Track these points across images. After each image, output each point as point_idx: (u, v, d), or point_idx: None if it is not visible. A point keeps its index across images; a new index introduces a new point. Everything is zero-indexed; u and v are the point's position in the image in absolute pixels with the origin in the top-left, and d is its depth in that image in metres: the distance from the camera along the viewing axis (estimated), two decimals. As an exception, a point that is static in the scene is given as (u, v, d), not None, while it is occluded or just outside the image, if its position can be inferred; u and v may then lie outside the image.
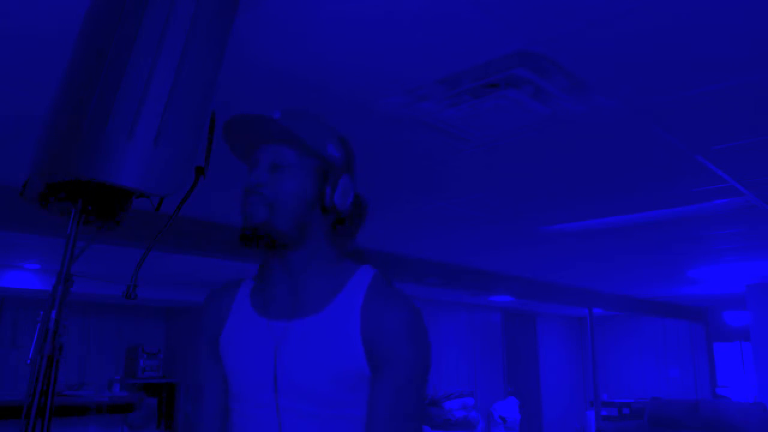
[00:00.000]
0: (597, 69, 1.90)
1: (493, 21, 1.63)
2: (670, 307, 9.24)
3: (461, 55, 1.82)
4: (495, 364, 9.28)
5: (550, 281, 6.85)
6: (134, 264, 1.14)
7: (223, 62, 1.19)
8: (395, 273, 5.00)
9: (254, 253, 1.12)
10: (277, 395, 1.07)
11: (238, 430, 1.10)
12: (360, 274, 1.13)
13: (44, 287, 5.82)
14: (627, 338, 10.68)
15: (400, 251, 5.00)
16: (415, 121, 2.30)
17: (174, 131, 1.07)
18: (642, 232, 4.26)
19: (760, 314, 7.14)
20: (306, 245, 1.11)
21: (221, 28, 1.20)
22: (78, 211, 1.07)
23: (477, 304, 8.93)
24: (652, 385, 10.12)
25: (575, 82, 1.98)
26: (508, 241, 4.58)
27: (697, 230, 4.24)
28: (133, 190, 1.06)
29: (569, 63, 1.86)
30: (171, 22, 1.11)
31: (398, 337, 1.06)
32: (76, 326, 7.14)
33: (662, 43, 1.75)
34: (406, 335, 1.06)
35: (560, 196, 3.37)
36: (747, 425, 5.86)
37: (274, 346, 1.09)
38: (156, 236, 1.16)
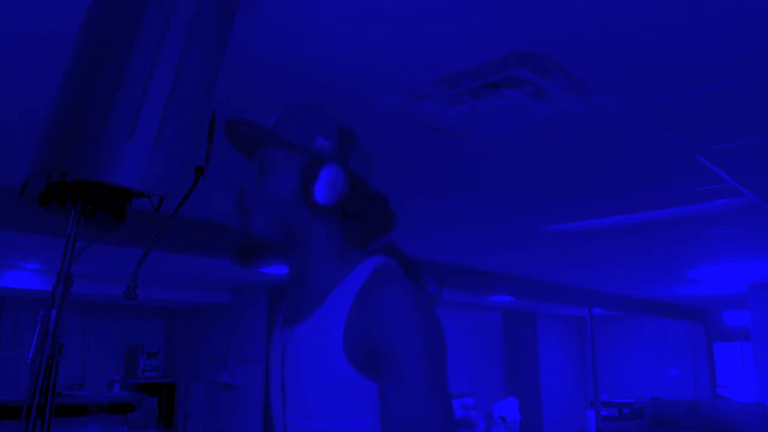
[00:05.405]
0: (597, 69, 1.90)
1: (493, 21, 1.63)
2: (670, 307, 9.24)
3: (461, 55, 1.82)
4: (495, 364, 9.28)
5: (550, 281, 6.85)
6: (134, 264, 1.14)
7: (222, 62, 1.19)
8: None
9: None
10: (284, 411, 1.01)
11: None
12: (363, 267, 0.99)
13: (44, 287, 5.83)
14: (627, 338, 10.68)
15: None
16: (415, 121, 2.30)
17: (174, 131, 1.07)
18: (642, 232, 4.26)
19: (760, 314, 7.14)
20: (304, 245, 1.03)
21: (221, 28, 1.20)
22: (78, 211, 1.07)
23: (477, 304, 8.92)
24: (652, 385, 10.12)
25: (575, 82, 1.98)
26: (508, 241, 4.58)
27: (697, 230, 4.24)
28: (133, 190, 1.06)
29: (569, 63, 1.86)
30: (171, 22, 1.11)
31: (389, 326, 0.90)
32: (77, 326, 7.14)
33: (662, 43, 1.75)
34: (398, 321, 0.90)
35: (560, 196, 3.37)
36: (747, 425, 5.86)
37: (282, 356, 1.04)
38: (156, 236, 1.16)
